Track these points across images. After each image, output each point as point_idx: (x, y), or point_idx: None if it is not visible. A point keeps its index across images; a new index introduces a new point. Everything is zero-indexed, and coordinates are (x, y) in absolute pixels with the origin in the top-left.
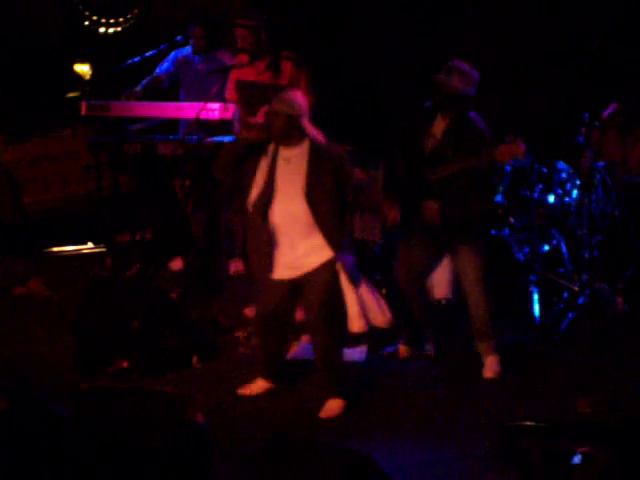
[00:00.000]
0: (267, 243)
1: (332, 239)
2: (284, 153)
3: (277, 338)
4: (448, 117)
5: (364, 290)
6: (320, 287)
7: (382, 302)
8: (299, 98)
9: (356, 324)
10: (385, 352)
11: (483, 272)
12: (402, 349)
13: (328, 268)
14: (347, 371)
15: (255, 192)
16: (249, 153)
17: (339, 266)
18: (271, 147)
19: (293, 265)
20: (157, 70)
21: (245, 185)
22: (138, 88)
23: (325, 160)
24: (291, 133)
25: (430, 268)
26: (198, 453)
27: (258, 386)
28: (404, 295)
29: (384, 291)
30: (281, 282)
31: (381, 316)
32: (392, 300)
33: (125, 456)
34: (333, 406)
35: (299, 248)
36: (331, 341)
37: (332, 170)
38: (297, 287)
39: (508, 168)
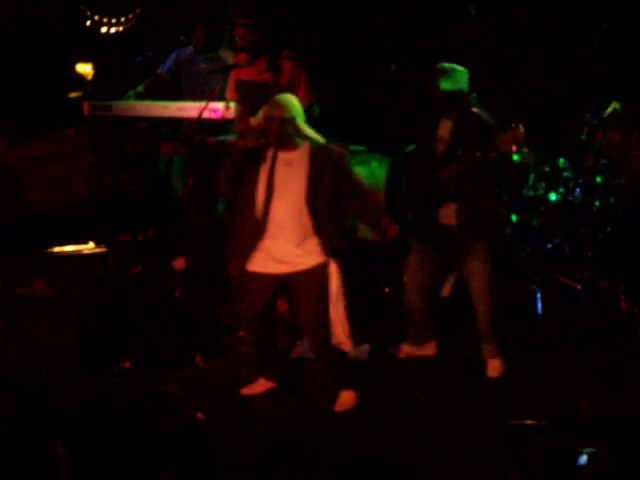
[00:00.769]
0: (261, 239)
1: (328, 244)
2: (283, 156)
3: (269, 334)
4: (452, 118)
5: (344, 307)
6: (313, 289)
7: (351, 329)
8: (293, 101)
9: (338, 339)
10: (388, 352)
11: (491, 275)
12: (405, 348)
13: (321, 271)
14: (350, 363)
15: (255, 194)
16: (248, 160)
17: (333, 271)
18: (270, 152)
19: (286, 261)
20: (159, 69)
21: (245, 191)
22: (140, 88)
23: (325, 161)
24: (288, 136)
25: (439, 272)
26: (201, 452)
27: (260, 385)
28: (410, 296)
29: (387, 290)
30: (271, 277)
31: (346, 339)
32: (396, 298)
33: (127, 455)
34: (347, 398)
35: (295, 248)
36: (326, 340)
37: (332, 171)
38: (283, 283)
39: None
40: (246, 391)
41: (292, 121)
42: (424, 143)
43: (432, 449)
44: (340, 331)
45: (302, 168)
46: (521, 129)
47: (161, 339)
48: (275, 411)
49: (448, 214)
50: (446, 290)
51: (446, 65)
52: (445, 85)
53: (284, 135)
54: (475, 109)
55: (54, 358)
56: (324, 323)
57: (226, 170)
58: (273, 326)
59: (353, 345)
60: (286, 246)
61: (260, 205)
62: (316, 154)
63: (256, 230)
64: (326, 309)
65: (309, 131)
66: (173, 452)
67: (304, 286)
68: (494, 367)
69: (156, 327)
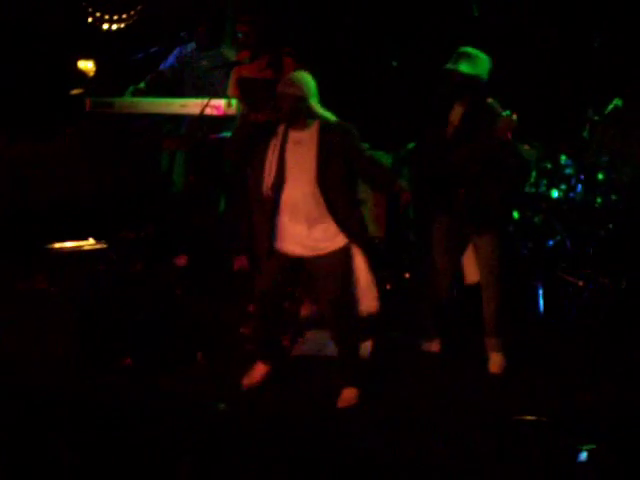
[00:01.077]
0: (278, 220)
1: (345, 225)
2: (294, 135)
3: (275, 317)
4: (464, 104)
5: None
6: (335, 275)
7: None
8: (308, 79)
9: (367, 304)
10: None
11: (500, 268)
12: (435, 346)
13: (342, 255)
14: (361, 361)
15: (267, 174)
16: (259, 135)
17: (355, 250)
18: (280, 129)
19: (307, 244)
20: (161, 66)
21: (256, 167)
22: (142, 84)
23: (335, 138)
24: (299, 114)
25: (460, 260)
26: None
27: (258, 371)
28: (435, 289)
29: (388, 287)
30: (287, 258)
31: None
32: (397, 295)
33: (129, 450)
34: (349, 395)
35: (315, 230)
36: (345, 328)
37: (341, 146)
38: (299, 267)
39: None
40: (247, 382)
41: (305, 100)
42: (434, 127)
43: (434, 444)
44: (371, 297)
45: (311, 147)
46: (514, 117)
47: (162, 336)
48: (277, 408)
49: (458, 199)
50: (474, 276)
51: (470, 49)
52: (465, 68)
53: (296, 113)
54: (489, 99)
55: (55, 354)
56: (346, 310)
57: (236, 140)
58: (281, 309)
59: (379, 305)
60: (305, 228)
61: (271, 186)
62: (325, 131)
63: (271, 210)
64: (350, 294)
65: (321, 110)
66: (190, 444)
67: (325, 269)
68: (495, 362)
69: (157, 324)
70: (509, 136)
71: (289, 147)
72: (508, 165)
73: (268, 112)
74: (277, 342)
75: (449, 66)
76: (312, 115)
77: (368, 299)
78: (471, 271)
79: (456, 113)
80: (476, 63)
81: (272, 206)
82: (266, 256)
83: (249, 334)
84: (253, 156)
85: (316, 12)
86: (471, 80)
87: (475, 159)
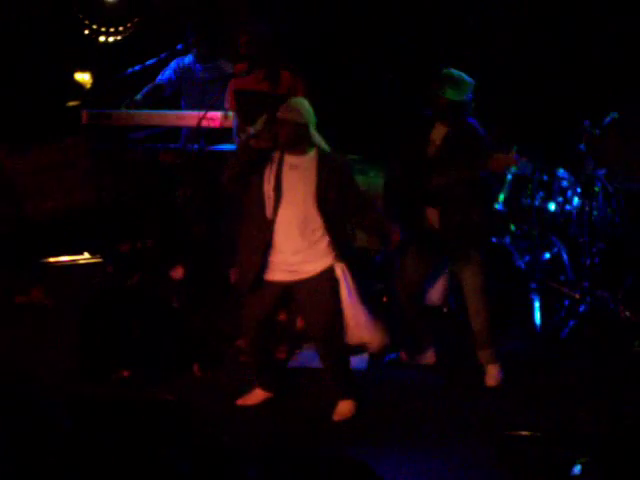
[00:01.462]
0: (267, 247)
1: (338, 246)
2: (290, 160)
3: (269, 344)
4: (446, 124)
5: (362, 305)
6: (321, 295)
7: (380, 322)
8: (307, 106)
9: (354, 335)
10: (387, 359)
11: (483, 281)
12: (404, 356)
13: (329, 275)
14: (353, 373)
15: (262, 198)
16: (257, 161)
17: (340, 274)
18: (276, 154)
19: (292, 269)
20: (158, 78)
21: (253, 193)
22: (139, 96)
23: (331, 168)
24: (298, 141)
25: (427, 277)
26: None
27: (256, 396)
28: (402, 303)
29: (384, 299)
30: (275, 286)
31: (374, 336)
32: (392, 308)
33: (127, 465)
34: (345, 408)
35: (302, 254)
36: (335, 347)
37: (338, 179)
38: (287, 292)
39: (509, 177)
40: (241, 402)
41: (305, 127)
42: (414, 143)
43: (430, 457)
44: (364, 332)
45: (310, 173)
46: (514, 150)
47: (159, 348)
48: (272, 420)
49: (432, 218)
50: (437, 298)
51: (455, 73)
52: (451, 94)
53: (295, 139)
54: (471, 120)
55: (53, 367)
56: (332, 329)
57: (234, 169)
58: (273, 336)
59: (385, 337)
60: (293, 253)
61: (268, 209)
62: (323, 161)
63: (263, 236)
64: (336, 315)
65: (318, 139)
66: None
67: (312, 292)
68: (492, 375)
69: (155, 336)
70: (504, 171)
71: (285, 172)
72: (491, 185)
73: (268, 139)
74: (274, 368)
75: (435, 89)
76: (310, 142)
77: (362, 335)
78: (434, 291)
79: (438, 132)
80: (461, 88)
81: (266, 232)
82: (250, 288)
83: (245, 346)
84: (250, 183)
85: (312, 25)
86: (456, 105)
87: (462, 181)
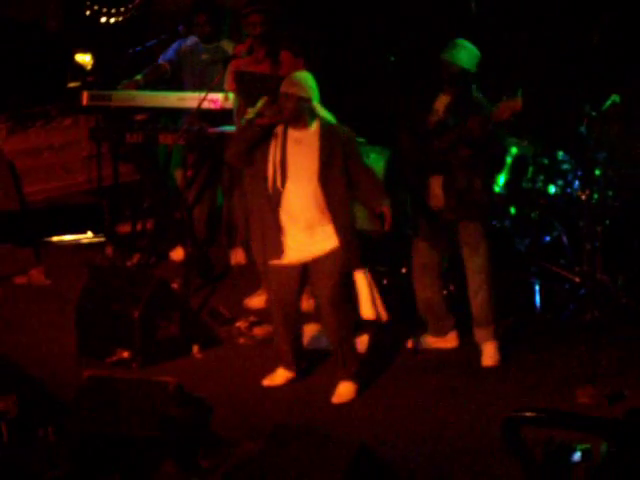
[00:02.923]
0: (278, 228)
1: (343, 225)
2: (294, 134)
3: (295, 324)
4: (451, 93)
5: (370, 281)
6: (330, 272)
7: (378, 298)
8: (310, 80)
9: (366, 310)
10: (411, 344)
11: (485, 257)
12: (427, 340)
13: (338, 254)
14: (359, 356)
15: (270, 174)
16: (260, 138)
17: (349, 252)
18: (279, 129)
19: (304, 249)
20: (160, 59)
21: (257, 169)
22: (139, 77)
23: (335, 140)
24: (302, 115)
25: (441, 257)
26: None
27: (280, 376)
28: (422, 288)
29: (385, 282)
30: (293, 267)
31: (373, 310)
32: (399, 292)
33: (125, 445)
34: (345, 391)
35: (313, 232)
36: (343, 325)
37: (341, 151)
38: (306, 271)
39: (509, 159)
40: (267, 382)
41: (308, 100)
42: (418, 113)
43: (430, 440)
44: (368, 306)
45: (313, 147)
46: (519, 95)
47: (159, 329)
48: (271, 402)
49: (436, 190)
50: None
51: (465, 41)
52: (463, 60)
53: (299, 113)
54: (474, 91)
55: (52, 348)
56: (341, 307)
57: (239, 145)
58: (300, 318)
59: (386, 315)
60: (302, 232)
61: (273, 186)
62: (326, 133)
63: (271, 214)
64: (346, 292)
65: (322, 111)
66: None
67: (322, 269)
68: (489, 354)
69: (154, 317)
70: (509, 118)
71: (289, 146)
72: (494, 152)
73: (271, 115)
74: (299, 348)
75: (447, 57)
76: (313, 115)
77: (367, 309)
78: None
79: (441, 102)
80: (470, 56)
81: (273, 210)
82: (265, 267)
83: (244, 329)
84: (254, 160)
85: (314, 6)
86: (466, 72)
87: (465, 142)
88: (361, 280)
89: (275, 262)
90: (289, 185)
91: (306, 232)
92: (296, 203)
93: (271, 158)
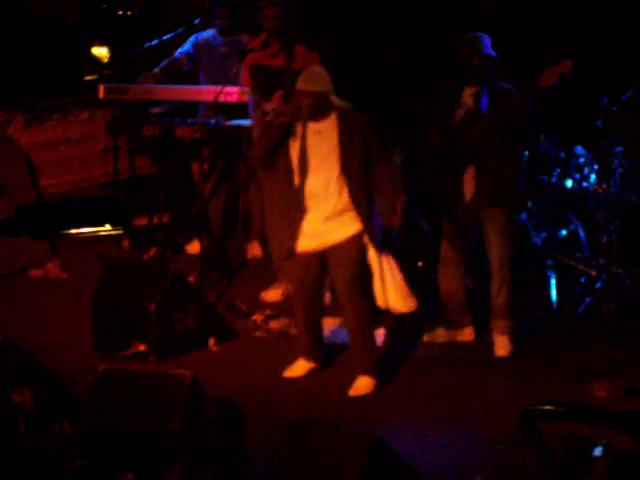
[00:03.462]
0: (300, 217)
1: (363, 211)
2: (313, 126)
3: (316, 314)
4: (476, 86)
5: (391, 270)
6: (349, 261)
7: (407, 287)
8: (325, 74)
9: (381, 300)
10: (425, 336)
11: (509, 247)
12: (442, 333)
13: (357, 241)
14: (377, 350)
15: (289, 168)
16: (282, 136)
17: (368, 239)
18: (299, 123)
19: (325, 236)
20: (177, 52)
21: (278, 165)
22: (156, 70)
23: (353, 125)
24: (321, 110)
25: (465, 251)
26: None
27: (300, 367)
28: (445, 280)
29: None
30: (313, 255)
31: (403, 301)
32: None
33: (141, 438)
34: (363, 384)
35: (334, 220)
36: (361, 318)
37: (360, 134)
38: (324, 260)
39: (526, 153)
40: (288, 374)
41: (325, 95)
42: (448, 109)
43: (445, 433)
44: (393, 294)
45: (332, 136)
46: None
47: (175, 323)
48: (287, 395)
49: (469, 180)
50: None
51: (480, 34)
52: (489, 51)
53: (317, 109)
54: (501, 82)
55: (68, 341)
56: (360, 296)
57: (263, 147)
58: (322, 307)
59: (412, 302)
60: (323, 220)
61: (296, 178)
62: (343, 120)
63: (294, 206)
64: (365, 281)
65: (338, 100)
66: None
67: (340, 258)
68: (502, 345)
69: (170, 311)
70: (554, 83)
71: (309, 138)
72: (526, 135)
73: (289, 113)
74: (321, 338)
75: (468, 53)
76: (331, 106)
77: (392, 297)
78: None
79: (467, 94)
80: (490, 44)
81: (295, 202)
82: (286, 259)
83: (260, 322)
84: (276, 155)
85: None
86: (492, 60)
87: (496, 129)
88: (386, 265)
89: (297, 251)
90: (311, 176)
91: (327, 220)
92: (319, 193)
93: (292, 152)
